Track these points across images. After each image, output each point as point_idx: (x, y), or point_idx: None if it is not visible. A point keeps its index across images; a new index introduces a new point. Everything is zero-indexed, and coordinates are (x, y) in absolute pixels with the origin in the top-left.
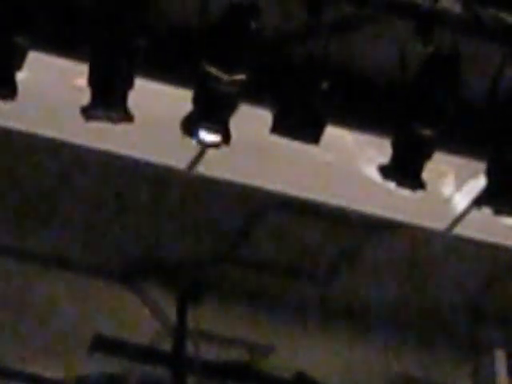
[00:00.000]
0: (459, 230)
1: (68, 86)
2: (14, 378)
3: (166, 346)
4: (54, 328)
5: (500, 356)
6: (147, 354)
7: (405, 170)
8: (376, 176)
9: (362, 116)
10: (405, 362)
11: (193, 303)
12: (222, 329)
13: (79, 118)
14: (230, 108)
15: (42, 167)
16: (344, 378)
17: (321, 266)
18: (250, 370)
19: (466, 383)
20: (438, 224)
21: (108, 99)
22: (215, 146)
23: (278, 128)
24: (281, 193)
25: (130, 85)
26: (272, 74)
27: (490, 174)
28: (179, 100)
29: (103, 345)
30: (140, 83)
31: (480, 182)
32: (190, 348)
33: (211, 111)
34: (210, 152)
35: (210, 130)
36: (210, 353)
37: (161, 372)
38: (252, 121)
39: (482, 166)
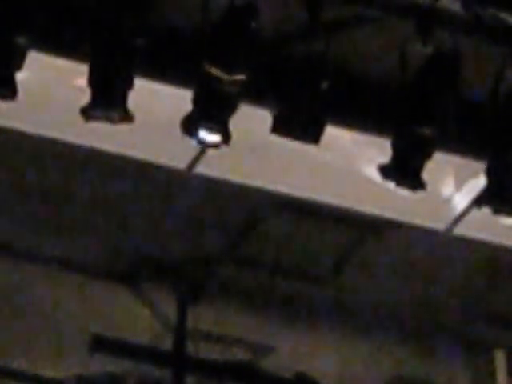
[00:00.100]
0: (459, 230)
1: (68, 86)
2: (14, 378)
3: (166, 346)
4: (54, 328)
5: (500, 356)
6: (147, 354)
7: (405, 169)
8: (376, 176)
9: (362, 116)
10: (405, 362)
11: (193, 303)
12: (222, 329)
13: (79, 118)
14: (230, 108)
15: (43, 167)
16: (344, 378)
17: (321, 266)
18: (250, 370)
19: (466, 383)
20: (438, 224)
21: (108, 99)
22: (215, 146)
23: (278, 128)
24: (281, 193)
25: (130, 85)
26: (272, 74)
27: (489, 173)
28: (179, 100)
29: (103, 345)
30: (140, 83)
31: (480, 182)
32: (190, 348)
33: (211, 111)
34: (210, 152)
35: (210, 129)
36: (210, 353)
37: (161, 372)
38: (252, 121)
39: (482, 165)
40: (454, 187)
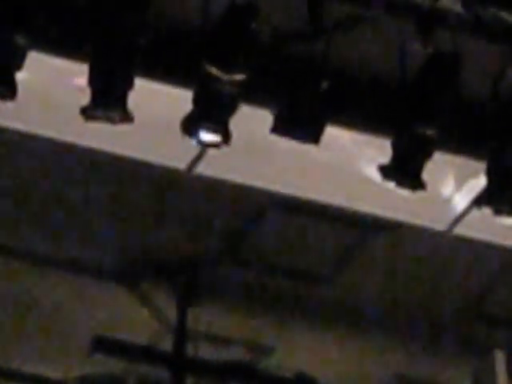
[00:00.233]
0: (459, 230)
1: (68, 86)
2: (14, 378)
3: (166, 346)
4: (54, 328)
5: (500, 356)
6: (147, 354)
7: (405, 169)
8: (376, 176)
9: (362, 116)
10: (405, 362)
11: (193, 303)
12: (221, 329)
13: (79, 118)
14: (230, 108)
15: (42, 167)
16: (344, 377)
17: (320, 266)
18: (249, 370)
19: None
20: (438, 224)
21: (108, 99)
22: (215, 145)
23: (278, 128)
24: (281, 193)
25: (130, 85)
26: (272, 74)
27: (489, 173)
28: (179, 100)
29: (103, 345)
30: (140, 83)
31: (480, 182)
32: (189, 348)
33: (211, 111)
34: (210, 152)
35: (210, 129)
36: (210, 353)
37: (160, 372)
38: (252, 121)
39: (482, 166)
40: (454, 187)
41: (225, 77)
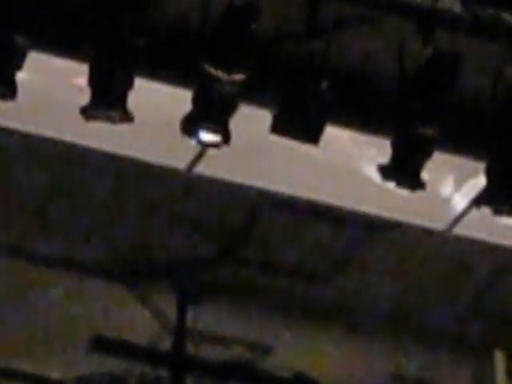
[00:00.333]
0: (459, 230)
1: (68, 86)
2: (14, 378)
3: (166, 345)
4: (53, 328)
5: (500, 356)
6: (147, 354)
7: (404, 169)
8: (376, 176)
9: (361, 116)
10: (405, 362)
11: (193, 303)
12: (221, 329)
13: (79, 118)
14: (230, 108)
15: (42, 167)
16: (343, 377)
17: (320, 266)
18: (249, 370)
19: (466, 383)
20: (438, 224)
21: (108, 99)
22: (215, 145)
23: (278, 128)
24: (281, 193)
25: (130, 85)
26: (272, 74)
27: (489, 173)
28: (179, 100)
29: (103, 345)
30: (140, 83)
31: (479, 182)
32: (189, 348)
33: (211, 111)
34: (210, 152)
35: (210, 129)
36: (210, 353)
37: (160, 372)
38: (252, 121)
39: (481, 166)
40: (454, 187)
41: (225, 77)
